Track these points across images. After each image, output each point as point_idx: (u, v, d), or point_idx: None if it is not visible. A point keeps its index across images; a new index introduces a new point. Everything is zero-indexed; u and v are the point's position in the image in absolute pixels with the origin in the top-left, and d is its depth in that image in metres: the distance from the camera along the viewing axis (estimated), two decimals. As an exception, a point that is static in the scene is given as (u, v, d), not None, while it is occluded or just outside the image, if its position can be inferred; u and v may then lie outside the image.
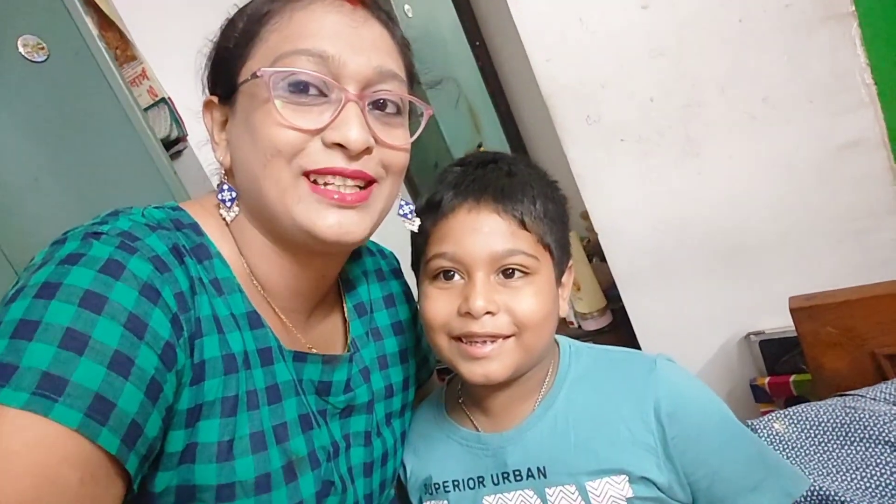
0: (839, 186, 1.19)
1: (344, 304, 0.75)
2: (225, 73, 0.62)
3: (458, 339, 0.65)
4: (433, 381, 0.90)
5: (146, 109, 1.85)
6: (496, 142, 2.10)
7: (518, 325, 0.63)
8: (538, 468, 0.65)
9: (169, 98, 1.92)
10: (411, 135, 0.65)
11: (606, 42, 1.27)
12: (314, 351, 0.67)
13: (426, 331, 0.68)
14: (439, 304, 0.65)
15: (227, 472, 0.55)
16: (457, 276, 0.65)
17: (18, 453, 0.43)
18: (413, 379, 0.80)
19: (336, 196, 0.57)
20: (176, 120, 1.94)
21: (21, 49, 1.45)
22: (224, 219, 0.63)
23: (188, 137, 1.96)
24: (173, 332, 0.52)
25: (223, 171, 0.64)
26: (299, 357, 0.65)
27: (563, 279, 0.70)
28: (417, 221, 0.67)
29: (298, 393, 0.64)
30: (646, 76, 1.27)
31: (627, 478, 0.62)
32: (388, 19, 0.63)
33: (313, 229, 0.57)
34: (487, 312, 0.62)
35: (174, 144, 1.96)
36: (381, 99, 0.60)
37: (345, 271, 0.75)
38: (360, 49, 0.58)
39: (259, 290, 0.64)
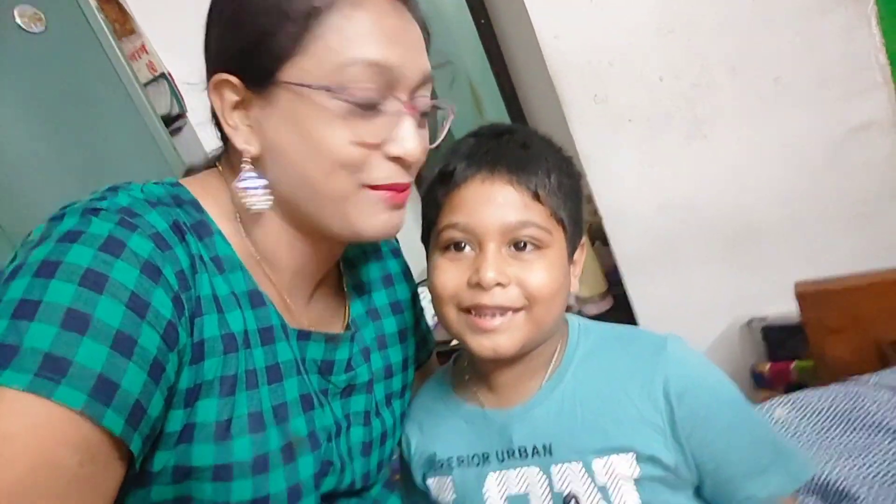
0: (849, 170, 1.17)
1: (344, 284, 0.74)
2: (259, 59, 0.56)
3: (468, 311, 0.64)
4: (433, 362, 0.89)
5: (145, 85, 1.82)
6: (499, 119, 2.07)
7: (528, 298, 0.62)
8: (544, 446, 0.64)
9: (169, 73, 1.90)
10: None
11: (616, 19, 1.25)
12: (316, 330, 0.66)
13: (434, 302, 0.67)
14: (449, 275, 0.64)
15: (224, 452, 0.54)
16: (468, 248, 0.64)
17: (16, 436, 0.42)
18: (412, 359, 0.79)
19: (394, 200, 0.59)
20: (176, 95, 1.92)
21: (18, 19, 1.42)
22: (245, 206, 0.59)
23: (188, 114, 1.94)
24: (175, 310, 0.51)
25: (247, 159, 0.59)
26: (303, 336, 0.64)
27: (576, 256, 0.69)
28: None
29: (300, 372, 0.63)
30: (655, 55, 1.25)
31: (635, 456, 0.61)
32: (416, 8, 0.62)
33: (366, 232, 0.59)
34: (498, 284, 0.61)
35: (174, 121, 1.93)
36: (423, 107, 0.61)
37: (345, 252, 0.74)
38: (414, 54, 0.59)
39: (262, 268, 0.63)
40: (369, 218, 0.58)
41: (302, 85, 0.55)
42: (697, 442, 0.62)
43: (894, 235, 1.19)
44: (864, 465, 0.94)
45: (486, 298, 0.62)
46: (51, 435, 0.43)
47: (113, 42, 1.59)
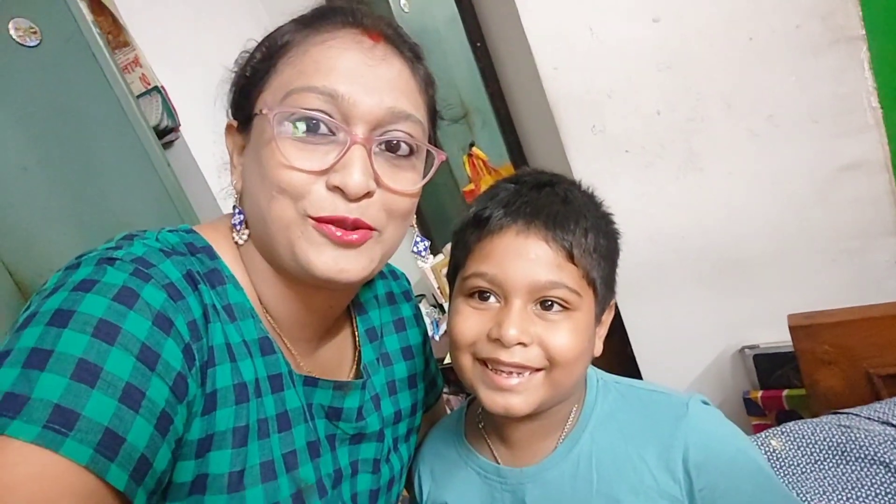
0: (838, 206, 1.21)
1: (355, 329, 0.74)
2: (242, 100, 0.61)
3: (484, 363, 0.62)
4: (441, 404, 0.88)
5: (138, 97, 1.81)
6: (493, 144, 2.09)
7: (550, 360, 0.60)
8: None
9: (162, 87, 1.88)
10: (423, 176, 0.62)
11: (615, 53, 1.27)
12: (324, 377, 0.65)
13: (451, 348, 0.65)
14: (470, 324, 0.62)
15: (237, 502, 0.54)
16: (493, 299, 0.61)
17: (20, 486, 0.41)
18: (421, 404, 0.79)
19: (339, 234, 0.55)
20: (168, 109, 1.90)
21: (13, 33, 1.40)
22: (235, 241, 0.62)
23: (181, 128, 1.92)
24: (185, 362, 0.51)
25: (237, 196, 0.63)
26: (310, 382, 0.63)
27: (603, 317, 0.66)
28: (431, 259, 0.65)
29: (307, 419, 0.62)
30: (652, 89, 1.27)
31: None
32: (412, 55, 0.61)
33: (309, 266, 0.56)
34: (520, 343, 0.59)
35: (166, 134, 1.92)
36: (393, 140, 0.58)
37: (356, 295, 0.73)
38: (374, 89, 0.56)
39: (266, 315, 0.63)
40: (315, 253, 0.56)
41: (258, 115, 0.57)
42: None
43: (880, 270, 1.22)
44: (858, 497, 0.96)
45: (506, 355, 0.59)
46: (54, 487, 0.42)
47: (108, 55, 1.57)
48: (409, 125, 0.59)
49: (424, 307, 2.07)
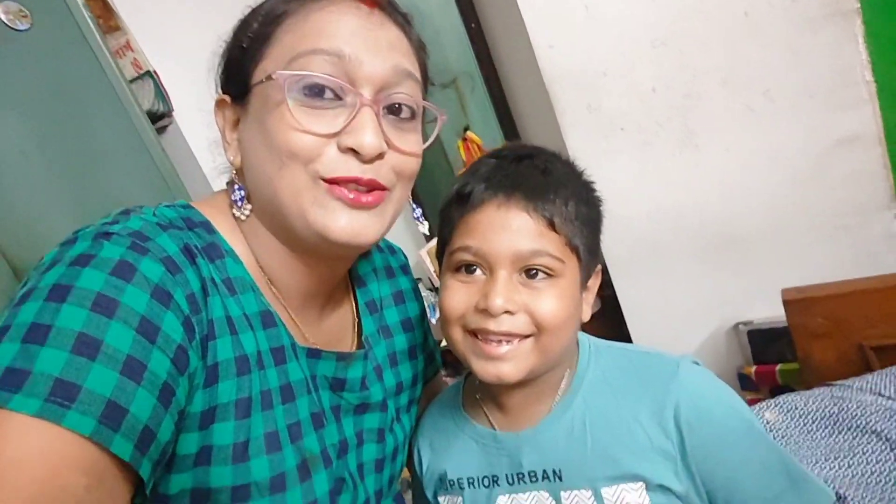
0: (834, 181, 1.22)
1: (355, 301, 0.74)
2: (238, 73, 0.60)
3: (474, 334, 0.62)
4: (439, 378, 0.89)
5: (130, 82, 1.79)
6: (487, 125, 2.09)
7: (537, 326, 0.61)
8: (554, 471, 0.64)
9: (154, 72, 1.87)
10: (424, 140, 0.63)
11: (610, 30, 1.27)
12: (327, 349, 0.66)
13: (442, 322, 0.66)
14: (458, 297, 0.63)
15: (242, 472, 0.55)
16: (479, 271, 0.63)
17: (24, 461, 0.42)
18: (421, 375, 0.80)
19: (352, 196, 0.56)
20: (161, 94, 1.89)
21: (3, 16, 1.38)
22: (237, 217, 0.62)
23: (174, 113, 1.92)
24: (185, 334, 0.51)
25: (234, 171, 0.63)
26: (313, 353, 0.64)
27: (589, 283, 0.67)
28: (426, 224, 0.66)
29: (310, 391, 0.63)
30: (648, 66, 1.27)
31: (644, 485, 0.61)
32: (404, 21, 0.62)
33: (325, 230, 0.56)
34: (506, 311, 0.60)
35: (159, 119, 1.91)
36: (395, 103, 0.58)
37: (354, 268, 0.74)
38: (377, 49, 0.57)
39: (270, 287, 0.63)
40: (329, 215, 0.56)
41: (259, 83, 0.57)
42: (709, 470, 0.61)
43: (875, 245, 1.23)
44: (850, 465, 0.98)
45: (493, 324, 0.60)
46: (59, 460, 0.42)
47: (99, 39, 1.56)
48: (411, 86, 0.60)
49: (421, 290, 2.08)
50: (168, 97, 1.89)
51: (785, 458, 0.64)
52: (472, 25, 1.93)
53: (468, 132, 2.09)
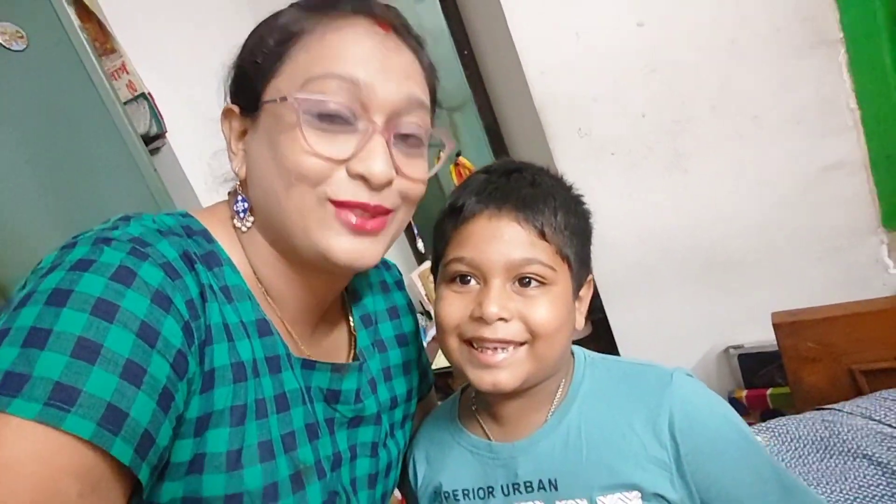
0: (821, 206, 1.23)
1: (350, 315, 0.75)
2: (249, 86, 0.60)
3: (470, 344, 0.64)
4: (432, 395, 0.89)
5: (125, 104, 1.80)
6: (479, 150, 2.11)
7: (531, 333, 0.62)
8: (549, 481, 0.65)
9: (149, 93, 1.88)
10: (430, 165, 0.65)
11: (601, 57, 1.29)
12: (321, 360, 0.66)
13: (438, 333, 0.67)
14: (454, 307, 0.65)
15: (235, 481, 0.54)
16: (473, 281, 0.64)
17: (21, 464, 0.41)
18: (416, 391, 0.80)
19: (356, 222, 0.57)
20: (156, 115, 1.90)
21: (-1, 37, 1.39)
22: (237, 228, 0.62)
23: (167, 134, 1.92)
24: (185, 339, 0.51)
25: (238, 182, 0.63)
26: (307, 364, 0.64)
27: (581, 293, 0.69)
28: (418, 268, 0.67)
29: (305, 402, 0.63)
30: (638, 92, 1.30)
31: (640, 494, 0.61)
32: (417, 45, 0.63)
33: (328, 252, 0.57)
34: (501, 319, 0.61)
35: (153, 140, 1.91)
36: (408, 133, 0.60)
37: (350, 283, 0.74)
38: (391, 76, 0.58)
39: (267, 298, 0.63)
40: (333, 238, 0.57)
41: (273, 101, 0.57)
42: (703, 479, 0.62)
43: (862, 268, 1.25)
44: (842, 490, 0.97)
45: (489, 332, 0.62)
46: (55, 464, 0.42)
47: (94, 60, 1.57)
48: (422, 114, 0.61)
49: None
50: (162, 118, 1.90)
51: (778, 469, 0.65)
52: (465, 52, 1.96)
53: (460, 157, 2.11)
